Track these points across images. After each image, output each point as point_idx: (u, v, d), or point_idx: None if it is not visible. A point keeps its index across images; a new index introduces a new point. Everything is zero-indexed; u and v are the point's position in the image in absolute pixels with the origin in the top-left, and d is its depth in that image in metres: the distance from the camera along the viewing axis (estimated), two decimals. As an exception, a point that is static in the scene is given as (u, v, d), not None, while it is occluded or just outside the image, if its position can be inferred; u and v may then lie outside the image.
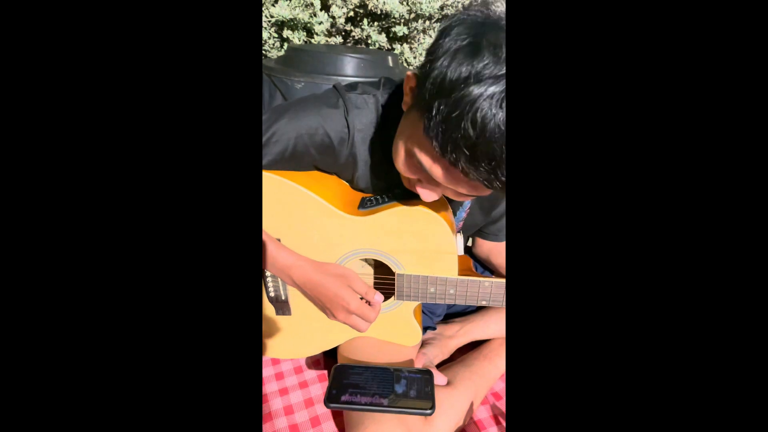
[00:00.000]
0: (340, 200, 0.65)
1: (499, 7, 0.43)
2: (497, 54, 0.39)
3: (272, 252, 0.63)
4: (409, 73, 0.51)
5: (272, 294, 0.71)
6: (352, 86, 0.62)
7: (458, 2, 1.37)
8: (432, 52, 0.43)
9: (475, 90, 0.39)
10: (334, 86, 0.63)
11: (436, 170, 0.47)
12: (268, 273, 0.69)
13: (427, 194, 0.54)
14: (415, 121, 0.47)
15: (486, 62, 0.39)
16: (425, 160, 0.47)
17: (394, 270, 0.66)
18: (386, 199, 0.63)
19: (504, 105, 0.38)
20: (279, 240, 0.65)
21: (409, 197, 0.63)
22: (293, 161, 0.61)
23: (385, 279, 0.70)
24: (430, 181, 0.51)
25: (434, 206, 0.62)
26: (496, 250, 0.83)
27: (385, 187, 0.66)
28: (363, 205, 0.64)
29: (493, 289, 0.65)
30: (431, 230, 0.62)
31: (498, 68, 0.38)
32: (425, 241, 0.63)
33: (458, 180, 0.47)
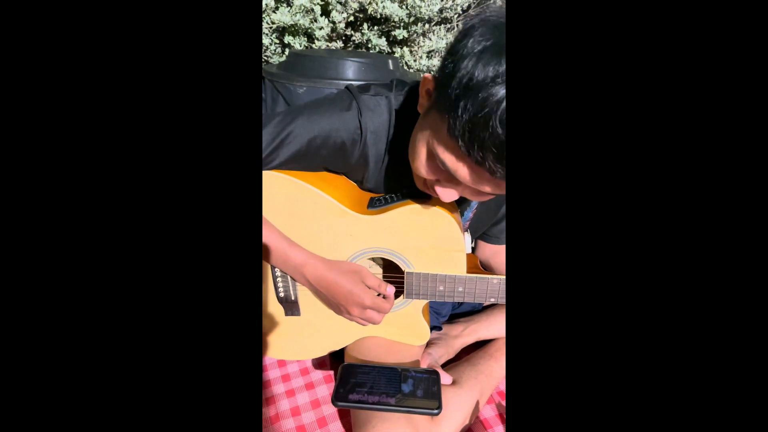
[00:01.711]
0: (350, 199, 0.65)
1: None
2: None
3: (285, 250, 0.64)
4: (426, 75, 0.51)
5: (282, 294, 0.71)
6: (364, 88, 0.63)
7: (456, 5, 1.38)
8: (454, 53, 0.44)
9: (502, 90, 0.40)
10: (347, 88, 0.63)
11: (461, 169, 0.48)
12: (277, 273, 0.69)
13: (446, 193, 0.54)
14: (436, 122, 0.48)
15: None
16: (449, 159, 0.48)
17: (403, 268, 0.67)
18: (395, 198, 0.64)
19: None
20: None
21: (418, 196, 0.63)
22: (305, 162, 0.62)
23: (394, 278, 0.71)
24: (451, 181, 0.52)
25: (443, 205, 0.63)
26: (498, 255, 0.83)
27: (395, 187, 0.66)
28: (372, 204, 0.65)
29: (502, 286, 0.66)
30: (440, 228, 0.63)
31: None
32: (434, 239, 0.64)
33: (483, 179, 0.47)
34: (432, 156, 0.50)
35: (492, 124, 0.40)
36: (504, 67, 0.40)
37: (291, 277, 0.68)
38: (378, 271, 0.76)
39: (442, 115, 0.46)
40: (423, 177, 0.55)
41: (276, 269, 0.68)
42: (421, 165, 0.53)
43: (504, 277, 0.66)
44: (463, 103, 0.42)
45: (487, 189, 0.49)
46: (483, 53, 0.41)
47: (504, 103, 0.40)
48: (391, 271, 0.71)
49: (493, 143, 0.41)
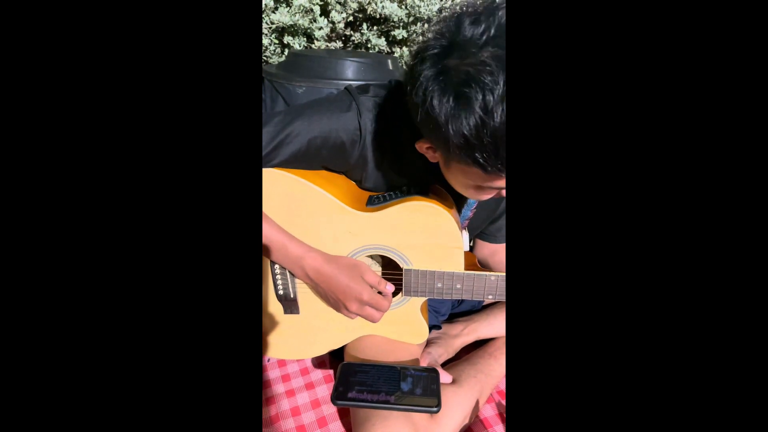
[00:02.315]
0: (349, 197, 0.66)
1: (434, 45, 0.45)
2: (483, 86, 0.41)
3: (284, 243, 0.64)
4: (419, 143, 0.55)
5: (281, 292, 0.71)
6: (364, 89, 0.63)
7: (455, 5, 1.38)
8: (433, 126, 0.46)
9: (494, 121, 0.41)
10: (346, 89, 0.64)
11: None
12: (277, 270, 0.69)
13: None
14: (465, 169, 0.50)
15: (481, 98, 0.41)
16: (502, 183, 0.51)
17: (401, 266, 0.67)
18: (394, 196, 0.64)
19: None
20: None
21: (417, 194, 0.64)
22: (304, 161, 0.63)
23: (393, 275, 0.71)
24: None
25: (441, 202, 0.63)
26: (497, 254, 0.83)
27: (393, 187, 0.67)
28: (371, 201, 0.65)
29: (500, 283, 0.66)
30: (438, 225, 0.63)
31: (495, 93, 0.41)
32: (432, 236, 0.64)
33: None
34: (484, 188, 0.53)
35: None
36: (480, 110, 0.41)
37: (290, 272, 0.68)
38: (377, 269, 0.76)
39: (468, 165, 0.48)
40: (487, 198, 0.58)
41: (275, 266, 0.69)
42: (479, 194, 0.57)
43: (502, 274, 0.66)
44: (478, 154, 0.44)
45: None
46: (456, 112, 0.43)
47: (505, 124, 0.41)
48: (390, 268, 0.71)
49: None
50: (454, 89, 0.43)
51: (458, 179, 0.55)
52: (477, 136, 0.43)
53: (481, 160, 0.44)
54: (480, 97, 0.41)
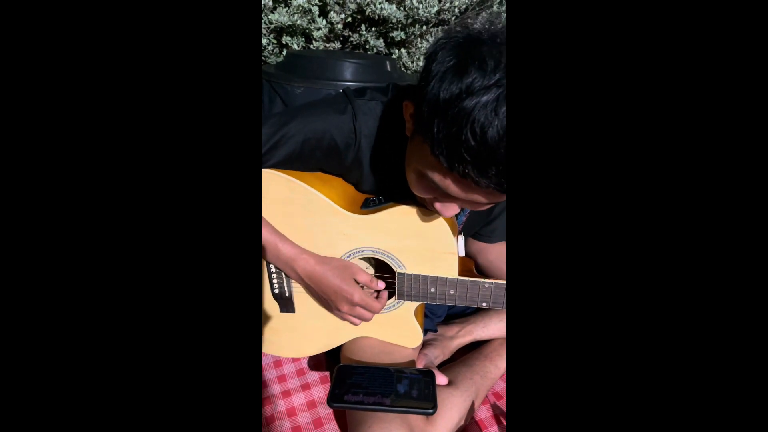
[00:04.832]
0: (344, 199, 0.66)
1: (477, 24, 0.45)
2: (483, 68, 0.41)
3: (277, 244, 0.64)
4: (405, 102, 0.53)
5: (276, 290, 0.71)
6: (360, 92, 0.63)
7: (454, 7, 1.39)
8: (423, 79, 0.45)
9: (469, 102, 0.40)
10: (343, 91, 0.64)
11: (449, 185, 0.49)
12: (272, 269, 0.69)
13: (446, 209, 0.56)
14: (420, 144, 0.49)
15: (474, 77, 0.41)
16: (437, 177, 0.49)
17: (394, 269, 0.67)
18: (389, 199, 0.64)
19: (499, 112, 0.40)
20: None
21: (412, 197, 0.64)
22: (299, 163, 0.63)
23: (385, 278, 0.71)
24: (446, 197, 0.53)
25: None
26: (485, 251, 0.84)
27: (390, 190, 0.67)
28: (366, 204, 0.65)
29: (494, 290, 0.66)
30: (432, 230, 0.63)
31: (486, 80, 0.40)
32: (426, 240, 0.64)
33: (472, 190, 0.48)
34: (422, 176, 0.52)
35: (465, 138, 0.41)
36: (466, 83, 0.41)
37: (284, 272, 0.68)
38: (370, 271, 0.76)
39: (424, 138, 0.47)
40: (420, 196, 0.57)
41: (271, 265, 0.69)
42: (414, 186, 0.55)
43: (497, 281, 0.66)
44: (436, 122, 0.43)
45: (480, 199, 0.50)
46: (446, 73, 0.43)
47: (473, 115, 0.40)
48: (383, 271, 0.71)
49: (470, 156, 0.42)
50: (461, 56, 0.43)
51: (411, 157, 0.53)
52: (444, 106, 0.42)
53: (434, 130, 0.44)
54: (474, 76, 0.41)
